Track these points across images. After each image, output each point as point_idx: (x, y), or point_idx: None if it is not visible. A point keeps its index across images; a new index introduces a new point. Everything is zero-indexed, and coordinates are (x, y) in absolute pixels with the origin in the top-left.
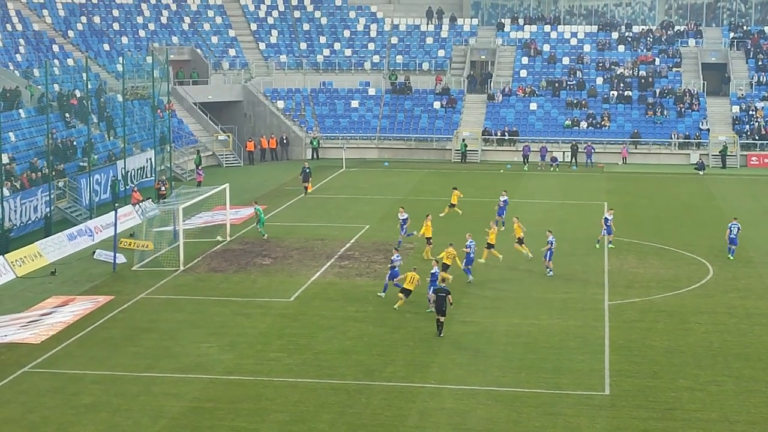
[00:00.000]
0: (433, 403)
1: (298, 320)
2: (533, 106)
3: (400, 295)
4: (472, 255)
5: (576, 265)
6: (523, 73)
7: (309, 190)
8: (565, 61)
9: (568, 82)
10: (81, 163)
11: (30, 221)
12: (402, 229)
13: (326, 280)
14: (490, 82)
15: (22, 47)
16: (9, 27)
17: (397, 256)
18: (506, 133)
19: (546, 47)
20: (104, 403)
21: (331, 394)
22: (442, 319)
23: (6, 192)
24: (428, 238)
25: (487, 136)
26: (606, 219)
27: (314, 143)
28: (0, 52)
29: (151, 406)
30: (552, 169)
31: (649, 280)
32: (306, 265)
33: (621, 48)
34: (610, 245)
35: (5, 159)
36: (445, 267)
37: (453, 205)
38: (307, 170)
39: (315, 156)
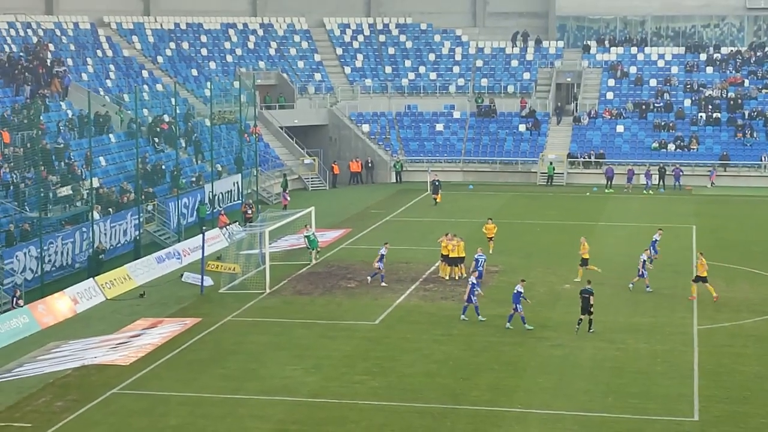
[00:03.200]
0: (519, 428)
1: (383, 343)
2: (620, 128)
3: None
4: (480, 268)
5: (663, 289)
6: (610, 95)
7: (438, 201)
8: (652, 83)
9: (656, 104)
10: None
11: (119, 244)
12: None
13: (411, 303)
14: (576, 104)
15: (112, 73)
16: (100, 53)
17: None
18: (592, 156)
19: (632, 69)
20: (190, 425)
21: (416, 418)
22: (590, 316)
23: (96, 215)
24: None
25: (573, 159)
26: (654, 241)
27: (398, 167)
28: (91, 77)
29: (237, 428)
30: (647, 192)
31: (738, 304)
32: (391, 288)
33: (709, 69)
34: (648, 289)
35: (96, 183)
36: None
37: (698, 280)
38: (437, 183)
39: (399, 179)
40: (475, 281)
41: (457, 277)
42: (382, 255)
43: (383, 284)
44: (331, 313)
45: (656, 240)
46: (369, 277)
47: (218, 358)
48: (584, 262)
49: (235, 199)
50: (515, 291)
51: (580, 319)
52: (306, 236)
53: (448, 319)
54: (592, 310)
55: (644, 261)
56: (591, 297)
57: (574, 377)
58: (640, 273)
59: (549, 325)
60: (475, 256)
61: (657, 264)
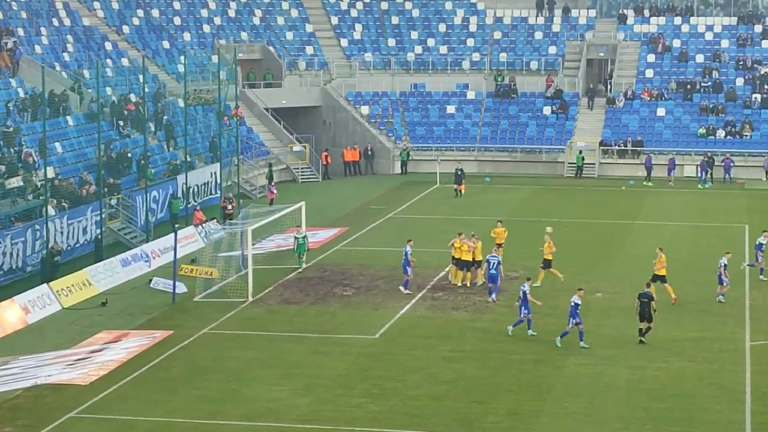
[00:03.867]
0: None
1: (384, 360)
2: (661, 111)
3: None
4: (493, 271)
5: (711, 299)
6: (649, 72)
7: (462, 191)
8: (699, 58)
9: (702, 84)
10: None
11: (78, 244)
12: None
13: (417, 313)
14: (610, 84)
15: (70, 45)
16: (56, 22)
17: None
18: (629, 144)
19: (676, 42)
20: None
21: None
22: (650, 324)
23: (51, 211)
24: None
25: (606, 147)
26: (760, 245)
27: (403, 155)
28: (46, 50)
29: None
30: (703, 186)
31: None
32: (393, 297)
33: (765, 44)
34: (761, 277)
35: (51, 173)
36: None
37: (657, 279)
38: (460, 172)
39: (404, 170)
40: (527, 288)
41: (469, 284)
42: (407, 254)
43: (406, 292)
44: (324, 325)
45: (762, 243)
46: (402, 288)
47: (193, 376)
48: (547, 264)
49: (213, 192)
50: (572, 303)
51: (641, 329)
52: (296, 237)
53: (459, 332)
54: (650, 316)
55: (725, 266)
56: (652, 302)
57: (606, 401)
58: (722, 280)
59: (577, 340)
60: (487, 257)
61: (702, 269)
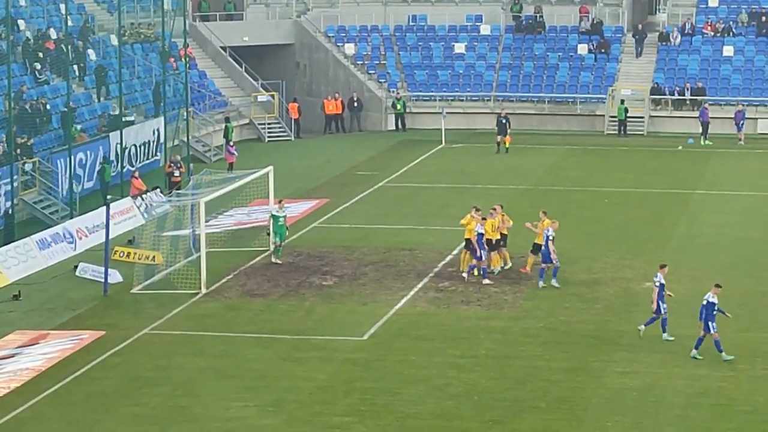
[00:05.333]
0: None
1: (375, 369)
2: (728, 50)
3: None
4: (545, 250)
5: None
6: (713, 1)
7: (507, 144)
8: None
9: None
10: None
11: None
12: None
13: (416, 309)
14: (665, 15)
15: None
16: None
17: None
18: (687, 92)
19: None
20: None
21: None
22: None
23: None
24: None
25: (659, 97)
26: None
27: (399, 107)
28: None
29: None
30: None
31: None
32: (386, 287)
33: None
34: None
35: None
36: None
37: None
38: (504, 120)
39: (401, 125)
40: (662, 280)
41: (500, 268)
42: (481, 234)
43: (485, 281)
44: (299, 324)
45: None
46: (465, 274)
47: (130, 390)
48: (537, 249)
49: (156, 154)
50: (705, 302)
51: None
52: (273, 216)
53: (471, 332)
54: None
55: None
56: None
57: (658, 420)
58: None
59: (620, 342)
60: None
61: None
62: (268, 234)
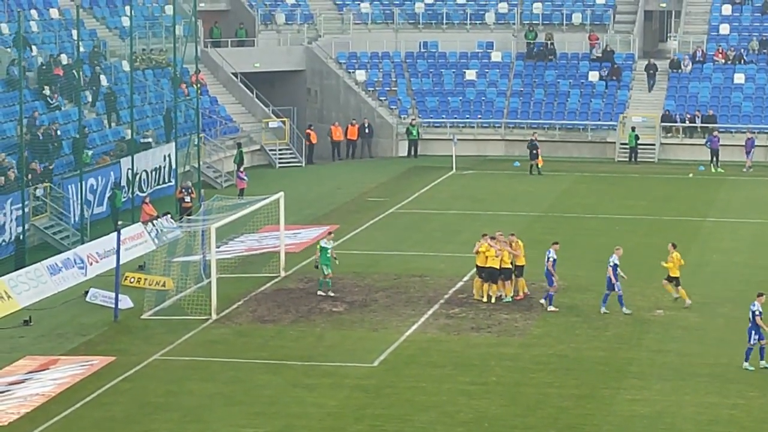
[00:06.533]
0: None
1: (385, 396)
2: (739, 78)
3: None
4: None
5: None
6: (724, 28)
7: (540, 165)
8: None
9: None
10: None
11: None
12: None
13: (427, 335)
14: (675, 43)
15: None
16: None
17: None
18: (698, 119)
19: None
20: None
21: None
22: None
23: None
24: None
25: (670, 124)
26: None
27: (412, 133)
28: None
29: None
30: None
31: None
32: (397, 314)
33: None
34: None
35: None
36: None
37: (672, 280)
38: (535, 142)
39: (413, 152)
40: (757, 308)
41: (513, 296)
42: (615, 266)
43: (551, 309)
44: (309, 350)
45: None
46: (544, 301)
47: (141, 415)
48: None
49: (167, 180)
50: (754, 310)
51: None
52: (322, 247)
53: (481, 359)
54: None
55: None
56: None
57: None
58: None
59: (631, 370)
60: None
61: None
62: (317, 267)
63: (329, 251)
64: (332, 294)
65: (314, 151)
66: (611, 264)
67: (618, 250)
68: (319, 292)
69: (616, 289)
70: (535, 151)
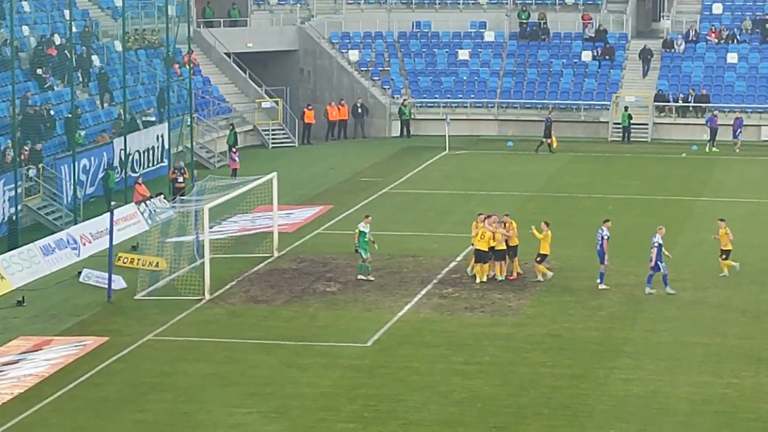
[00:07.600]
0: None
1: (379, 376)
2: (732, 57)
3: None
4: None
5: None
6: (717, 8)
7: (555, 146)
8: None
9: None
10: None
11: None
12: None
13: (420, 315)
14: (669, 22)
15: None
16: None
17: None
18: (691, 98)
19: None
20: None
21: None
22: None
23: None
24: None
25: (662, 104)
26: None
27: (405, 113)
28: None
29: None
30: None
31: None
32: (390, 294)
33: None
34: None
35: None
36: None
37: (725, 255)
38: (550, 121)
39: (405, 132)
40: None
41: (499, 278)
42: (659, 245)
43: (602, 287)
44: (302, 330)
45: None
46: (598, 281)
47: (134, 396)
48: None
49: (160, 160)
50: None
51: None
52: (361, 231)
53: (475, 339)
54: None
55: None
56: None
57: (662, 427)
58: None
59: (624, 349)
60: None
61: None
62: (357, 251)
63: (367, 235)
64: (371, 279)
65: (308, 131)
66: (655, 244)
67: (661, 230)
68: (359, 277)
69: (662, 269)
70: (549, 130)
